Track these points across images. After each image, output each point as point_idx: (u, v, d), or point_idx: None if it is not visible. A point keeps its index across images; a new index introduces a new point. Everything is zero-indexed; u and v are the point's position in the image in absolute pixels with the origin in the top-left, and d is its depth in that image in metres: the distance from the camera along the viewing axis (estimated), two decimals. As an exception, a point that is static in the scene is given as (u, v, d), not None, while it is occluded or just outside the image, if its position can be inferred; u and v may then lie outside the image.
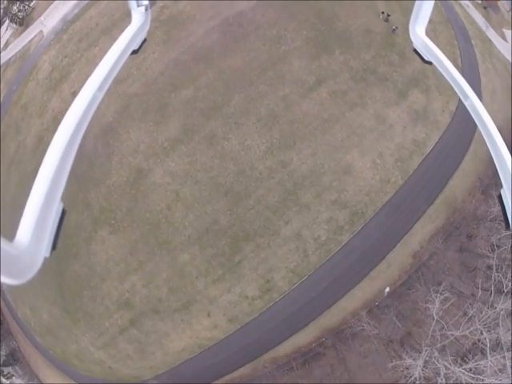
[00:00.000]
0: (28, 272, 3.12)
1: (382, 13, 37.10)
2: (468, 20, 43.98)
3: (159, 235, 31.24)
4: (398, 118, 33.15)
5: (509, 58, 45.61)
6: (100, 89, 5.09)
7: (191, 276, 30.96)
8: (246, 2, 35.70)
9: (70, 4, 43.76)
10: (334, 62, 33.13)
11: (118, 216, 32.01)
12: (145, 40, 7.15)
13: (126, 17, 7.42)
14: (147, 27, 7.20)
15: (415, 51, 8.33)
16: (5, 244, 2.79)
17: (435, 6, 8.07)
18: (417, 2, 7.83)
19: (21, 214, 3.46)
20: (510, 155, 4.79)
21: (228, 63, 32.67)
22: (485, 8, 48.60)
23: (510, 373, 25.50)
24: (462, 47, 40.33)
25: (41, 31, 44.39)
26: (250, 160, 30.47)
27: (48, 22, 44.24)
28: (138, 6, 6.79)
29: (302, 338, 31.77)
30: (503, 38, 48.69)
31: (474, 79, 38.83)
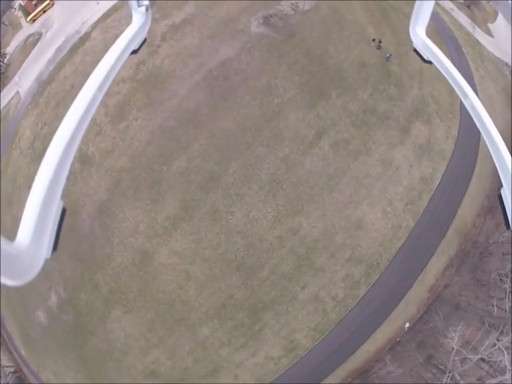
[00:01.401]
0: (29, 273, 2.52)
1: (373, 40, 28.26)
2: (455, 26, 34.90)
3: (175, 313, 25.32)
4: (403, 159, 25.91)
5: (496, 53, 36.93)
6: (100, 88, 4.04)
7: (214, 346, 25.53)
8: (229, 48, 26.78)
9: (44, 60, 34.29)
10: (331, 108, 25.18)
11: (130, 297, 25.84)
12: (145, 40, 5.70)
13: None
14: (148, 27, 5.67)
15: (415, 51, 6.59)
16: (5, 244, 2.22)
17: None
18: (417, 2, 6.28)
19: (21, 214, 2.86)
20: (510, 155, 3.95)
21: (219, 125, 24.90)
22: (468, 7, 38.79)
23: None
24: (455, 61, 31.83)
25: (17, 92, 35.44)
26: (257, 232, 23.80)
27: (23, 82, 35.24)
28: (139, 6, 5.47)
29: (329, 381, 27.08)
30: (489, 34, 39.74)
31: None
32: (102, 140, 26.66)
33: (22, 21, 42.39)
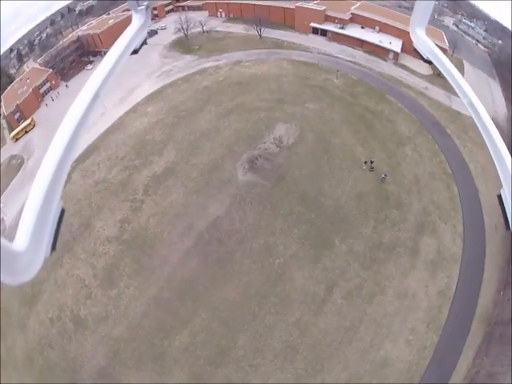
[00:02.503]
0: (28, 272, 1.96)
1: (365, 163, 23.73)
2: (434, 107, 29.03)
3: None
4: (418, 283, 22.12)
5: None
6: (100, 89, 2.98)
7: None
8: (217, 204, 23.29)
9: (27, 192, 30.36)
10: (337, 256, 21.69)
11: None
12: (145, 40, 3.85)
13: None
14: (148, 27, 3.80)
15: (415, 51, 4.14)
16: (4, 243, 1.69)
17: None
18: (417, 3, 3.99)
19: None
20: (509, 155, 2.75)
21: (219, 297, 21.51)
22: (439, 75, 31.67)
23: None
24: (443, 148, 26.16)
25: (3, 219, 30.03)
26: (279, 401, 21.16)
27: (8, 210, 29.94)
28: (139, 5, 3.74)
29: None
30: (463, 95, 32.49)
31: (466, 178, 25.36)
32: (94, 305, 22.44)
33: (6, 134, 38.67)
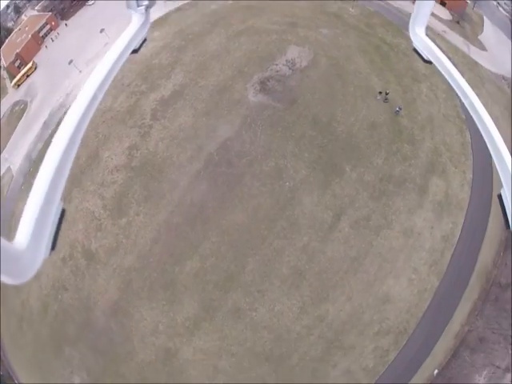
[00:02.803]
0: (28, 272, 2.29)
1: (380, 93, 22.59)
2: (452, 50, 28.58)
3: None
4: (424, 222, 21.29)
5: (492, 69, 30.99)
6: (100, 88, 3.57)
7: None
8: (228, 126, 21.33)
9: (32, 136, 28.77)
10: (347, 183, 20.25)
11: None
12: (145, 40, 5.01)
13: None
14: (147, 27, 5.02)
15: (415, 51, 5.77)
16: (5, 244, 2.00)
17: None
18: (417, 2, 5.46)
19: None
20: (510, 155, 3.55)
21: (229, 220, 20.09)
22: (458, 23, 31.84)
23: None
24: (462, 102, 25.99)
25: (9, 168, 29.90)
26: (284, 324, 19.88)
27: (13, 159, 29.68)
28: (139, 6, 4.80)
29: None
30: (482, 48, 33.15)
31: (478, 130, 25.34)
32: (104, 236, 21.70)
33: (8, 83, 36.77)
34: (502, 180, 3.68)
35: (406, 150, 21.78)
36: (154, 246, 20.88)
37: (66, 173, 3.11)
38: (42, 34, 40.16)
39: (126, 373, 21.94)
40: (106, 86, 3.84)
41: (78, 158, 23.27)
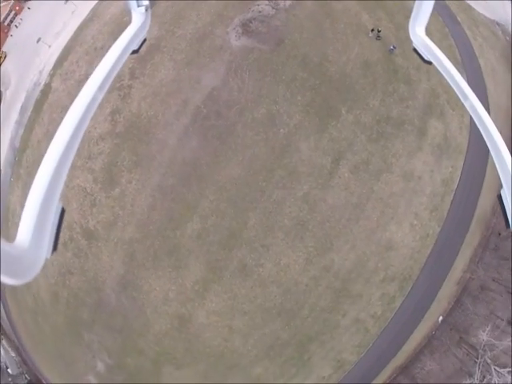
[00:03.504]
0: (29, 272, 2.26)
1: (372, 30, 21.25)
2: None
3: (226, 361, 21.61)
4: (424, 166, 20.76)
5: (487, 14, 30.33)
6: (100, 88, 3.56)
7: (269, 380, 22.73)
8: (212, 74, 19.62)
9: (11, 123, 26.21)
10: (344, 126, 19.18)
11: (178, 356, 21.74)
12: (145, 40, 5.12)
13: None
14: (147, 27, 5.15)
15: (415, 51, 5.97)
16: (5, 245, 2.01)
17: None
18: (416, 2, 5.55)
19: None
20: (510, 155, 3.58)
21: (225, 174, 18.77)
22: None
23: None
24: (453, 33, 25.25)
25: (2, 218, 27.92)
26: (291, 277, 19.32)
27: None
28: (138, 6, 4.85)
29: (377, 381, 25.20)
30: (476, -6, 32.00)
31: (475, 72, 24.95)
32: (100, 211, 20.56)
33: None
34: (502, 180, 3.68)
35: (402, 90, 20.87)
36: (152, 212, 19.66)
37: (65, 173, 3.09)
38: (7, 22, 37.22)
39: (144, 347, 21.66)
40: (107, 87, 3.86)
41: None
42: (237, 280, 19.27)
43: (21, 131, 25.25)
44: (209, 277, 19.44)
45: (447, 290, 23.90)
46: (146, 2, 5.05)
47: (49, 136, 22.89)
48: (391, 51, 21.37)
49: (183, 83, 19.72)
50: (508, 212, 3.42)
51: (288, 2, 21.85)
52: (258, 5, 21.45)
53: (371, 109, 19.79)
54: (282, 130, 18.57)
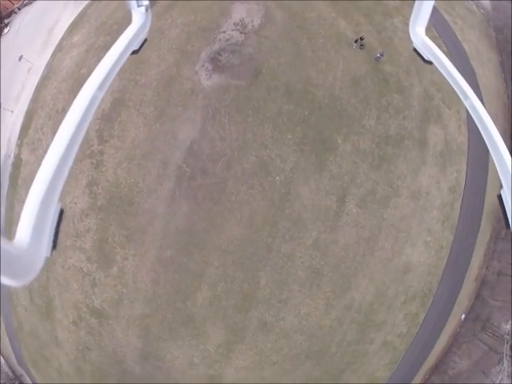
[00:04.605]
0: (29, 273, 2.27)
1: (356, 41, 19.29)
2: None
3: None
4: (430, 179, 19.87)
5: None
6: (100, 88, 3.65)
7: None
8: (188, 125, 17.64)
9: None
10: (343, 159, 17.82)
11: None
12: (145, 40, 5.08)
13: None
14: (148, 27, 5.11)
15: (415, 51, 5.92)
16: (5, 244, 2.00)
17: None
18: (416, 2, 5.51)
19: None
20: (509, 155, 3.61)
21: (225, 238, 17.44)
22: None
23: None
24: (434, 23, 23.43)
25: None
26: (314, 323, 18.82)
27: None
28: (139, 6, 4.82)
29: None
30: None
31: (462, 58, 23.74)
32: (103, 290, 19.41)
33: None
34: (502, 180, 3.71)
35: (396, 100, 19.47)
36: (157, 287, 18.54)
37: (66, 173, 3.08)
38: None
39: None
40: (107, 86, 3.87)
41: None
42: (260, 337, 18.71)
43: (3, 210, 23.12)
44: (230, 339, 18.77)
45: (466, 290, 24.16)
46: (146, 2, 5.00)
47: (37, 160, 21.44)
48: (378, 59, 19.64)
49: (158, 141, 17.75)
50: (508, 212, 3.42)
51: (256, 22, 19.45)
52: (224, 31, 18.98)
53: (368, 131, 18.44)
54: (277, 178, 17.13)
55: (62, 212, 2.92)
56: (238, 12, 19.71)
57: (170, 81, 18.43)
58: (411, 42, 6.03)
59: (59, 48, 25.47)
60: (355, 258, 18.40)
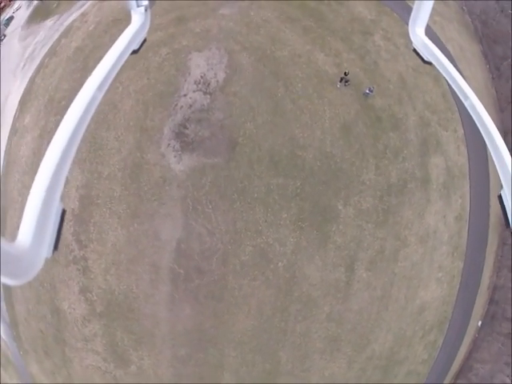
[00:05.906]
0: (29, 273, 2.34)
1: (340, 81, 16.89)
2: None
3: None
4: (436, 216, 18.98)
5: None
6: (100, 88, 3.72)
7: None
8: (168, 225, 15.83)
9: None
10: (346, 225, 16.57)
11: None
12: (145, 40, 5.12)
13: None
14: (147, 27, 5.14)
15: (415, 51, 6.13)
16: (6, 245, 2.04)
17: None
18: (416, 2, 5.72)
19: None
20: (509, 155, 3.72)
21: (237, 331, 16.82)
22: None
23: None
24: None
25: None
26: (340, 379, 19.05)
27: None
28: (138, 6, 4.93)
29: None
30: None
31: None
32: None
33: None
34: (502, 180, 3.90)
35: (393, 141, 17.77)
36: (180, 380, 18.38)
37: (66, 172, 3.13)
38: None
39: None
40: (106, 86, 3.93)
41: (44, 316, 19.22)
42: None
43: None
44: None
45: (481, 300, 24.95)
46: (146, 2, 5.08)
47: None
48: (367, 95, 17.54)
49: (141, 244, 16.08)
50: (508, 212, 3.54)
51: (220, 76, 16.56)
52: (185, 95, 16.13)
53: (369, 186, 17.00)
54: (279, 264, 15.99)
55: (64, 212, 2.91)
56: (198, 64, 16.71)
57: (136, 170, 16.16)
58: (411, 43, 6.11)
59: (13, 130, 21.99)
60: (370, 317, 18.20)
